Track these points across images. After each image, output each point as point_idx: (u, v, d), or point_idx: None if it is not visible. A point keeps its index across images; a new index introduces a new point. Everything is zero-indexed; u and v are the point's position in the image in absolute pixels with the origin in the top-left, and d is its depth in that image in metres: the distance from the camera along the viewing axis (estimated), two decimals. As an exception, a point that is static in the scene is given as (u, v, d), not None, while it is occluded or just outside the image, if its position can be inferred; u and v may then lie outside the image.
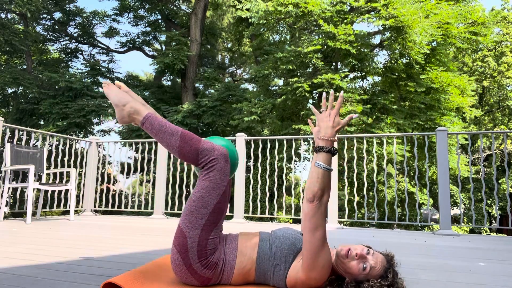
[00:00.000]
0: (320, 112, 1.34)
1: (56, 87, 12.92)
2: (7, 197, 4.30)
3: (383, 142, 6.16)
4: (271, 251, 1.36)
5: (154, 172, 5.72)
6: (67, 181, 6.00)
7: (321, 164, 1.25)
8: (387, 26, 9.34)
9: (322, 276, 1.26)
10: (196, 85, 15.40)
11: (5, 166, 4.08)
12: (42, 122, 13.35)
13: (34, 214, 4.58)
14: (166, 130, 1.40)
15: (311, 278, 1.26)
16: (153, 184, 7.18)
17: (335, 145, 4.45)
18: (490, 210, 15.26)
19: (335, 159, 4.49)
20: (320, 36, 9.92)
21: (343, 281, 1.31)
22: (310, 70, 10.39)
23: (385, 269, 1.27)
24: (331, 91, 1.30)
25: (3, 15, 13.42)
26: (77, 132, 12.45)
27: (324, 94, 1.33)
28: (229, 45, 20.35)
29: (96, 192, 5.67)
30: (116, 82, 1.62)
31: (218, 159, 1.36)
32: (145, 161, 5.79)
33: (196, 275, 1.33)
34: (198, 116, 12.92)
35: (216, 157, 1.36)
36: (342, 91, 1.27)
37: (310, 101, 11.13)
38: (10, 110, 14.54)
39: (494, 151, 7.12)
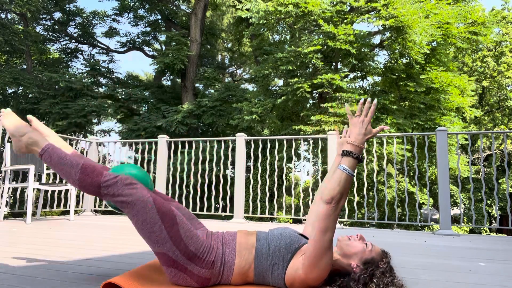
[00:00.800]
0: (355, 117, 1.34)
1: (56, 87, 12.92)
2: (7, 197, 4.30)
3: (383, 142, 6.16)
4: (269, 250, 1.36)
5: (154, 172, 5.72)
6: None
7: (346, 169, 1.25)
8: (387, 26, 9.34)
9: (321, 276, 1.27)
10: (196, 85, 15.40)
11: (5, 166, 4.08)
12: (42, 122, 13.34)
13: (34, 214, 4.58)
14: (65, 162, 1.38)
15: (310, 278, 1.27)
16: (153, 184, 7.17)
17: (333, 146, 4.47)
18: (490, 210, 15.26)
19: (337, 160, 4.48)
20: (320, 36, 9.91)
21: (341, 280, 1.32)
22: (310, 70, 10.39)
23: (383, 252, 1.36)
24: (369, 99, 1.31)
25: (3, 15, 13.43)
26: (77, 133, 12.44)
27: (361, 100, 1.33)
28: (229, 45, 20.36)
29: (96, 192, 5.66)
30: (29, 116, 1.61)
31: (124, 189, 1.33)
32: (145, 161, 5.79)
33: (195, 276, 1.33)
34: (198, 116, 12.92)
35: (120, 189, 1.33)
36: (375, 99, 1.28)
37: (310, 101, 11.14)
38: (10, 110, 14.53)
39: (494, 151, 7.12)
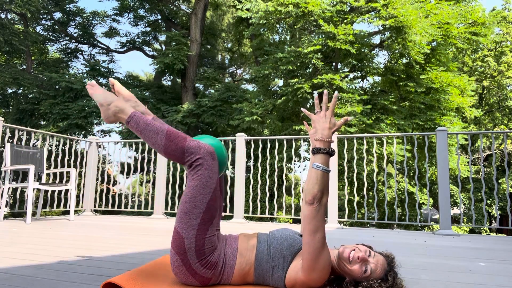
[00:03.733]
0: (315, 113, 1.34)
1: (56, 87, 12.91)
2: (7, 197, 4.30)
3: (383, 142, 6.17)
4: (269, 252, 1.36)
5: (154, 172, 5.72)
6: (67, 181, 6.00)
7: (320, 166, 1.24)
8: (387, 26, 9.34)
9: (322, 277, 1.27)
10: (196, 85, 15.40)
11: (5, 166, 4.08)
12: (42, 123, 13.35)
13: (34, 214, 4.58)
14: (151, 128, 1.39)
15: (311, 279, 1.26)
16: (153, 184, 7.18)
17: (333, 146, 4.47)
18: (490, 210, 15.26)
19: (334, 160, 4.49)
20: (320, 36, 9.91)
21: (342, 281, 1.32)
22: (310, 71, 10.39)
23: (386, 272, 1.29)
24: (325, 91, 1.29)
25: (3, 15, 13.42)
26: (77, 133, 12.45)
27: (316, 95, 1.33)
28: (229, 45, 20.36)
29: (96, 192, 5.67)
30: (110, 79, 1.63)
31: (205, 157, 1.35)
32: (145, 161, 5.79)
33: (196, 275, 1.33)
34: (198, 116, 12.92)
35: (202, 156, 1.34)
36: (336, 92, 1.26)
37: (311, 101, 11.13)
38: (10, 110, 14.54)
39: (494, 151, 7.12)
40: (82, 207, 5.53)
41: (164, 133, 1.37)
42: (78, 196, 5.73)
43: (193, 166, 1.35)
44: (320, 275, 1.26)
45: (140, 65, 64.49)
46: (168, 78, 18.39)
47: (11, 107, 14.70)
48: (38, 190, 4.88)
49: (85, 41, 16.26)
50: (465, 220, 14.74)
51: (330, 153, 1.27)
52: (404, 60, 10.32)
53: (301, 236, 1.47)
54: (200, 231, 1.32)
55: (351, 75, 11.15)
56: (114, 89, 1.66)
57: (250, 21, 10.75)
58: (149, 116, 1.55)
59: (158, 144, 1.38)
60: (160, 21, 16.75)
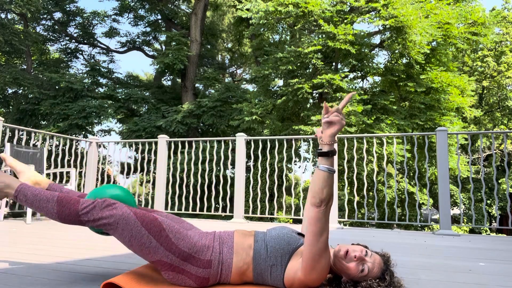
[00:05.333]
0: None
1: (57, 87, 12.92)
2: (7, 197, 4.29)
3: (383, 142, 6.17)
4: (267, 251, 1.36)
5: (154, 172, 5.72)
6: (67, 181, 6.00)
7: (325, 167, 1.24)
8: (387, 26, 9.34)
9: (321, 277, 1.27)
10: (196, 85, 15.40)
11: (5, 166, 4.08)
12: (42, 123, 13.36)
13: (34, 214, 4.58)
14: (41, 198, 1.38)
15: (309, 279, 1.27)
16: (153, 184, 7.18)
17: (335, 146, 4.47)
18: (490, 210, 15.26)
19: (335, 160, 4.50)
20: (320, 36, 9.91)
21: (340, 280, 1.32)
22: (310, 71, 10.39)
23: (383, 271, 1.29)
24: (325, 104, 1.30)
25: (3, 15, 13.42)
26: (77, 134, 12.44)
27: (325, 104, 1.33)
28: (229, 45, 20.36)
29: (96, 192, 5.66)
30: (1, 154, 1.61)
31: (103, 212, 1.34)
32: (145, 161, 5.79)
33: (192, 276, 1.34)
34: (198, 116, 12.92)
35: (99, 213, 1.34)
36: (352, 92, 1.26)
37: (311, 101, 11.13)
38: (11, 110, 14.54)
39: (494, 151, 7.12)
40: (82, 207, 5.52)
41: (55, 199, 1.37)
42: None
43: (102, 225, 1.35)
44: (319, 275, 1.26)
45: (140, 65, 64.54)
46: (168, 78, 18.40)
47: (11, 107, 14.70)
48: (38, 190, 4.88)
49: (85, 41, 16.27)
50: (465, 220, 14.74)
51: (333, 153, 1.26)
52: (404, 60, 10.31)
53: (298, 234, 1.47)
54: (165, 243, 1.32)
55: (351, 75, 11.14)
56: (6, 163, 1.64)
57: (250, 21, 10.75)
58: (45, 185, 1.53)
59: (51, 212, 1.37)
60: (160, 21, 16.75)
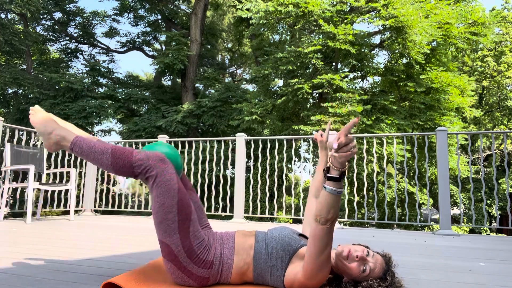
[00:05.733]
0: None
1: (57, 87, 12.92)
2: (7, 197, 4.30)
3: (383, 142, 6.17)
4: (267, 252, 1.36)
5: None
6: (67, 181, 6.00)
7: (333, 190, 1.18)
8: (387, 26, 9.34)
9: (321, 281, 1.28)
10: (196, 85, 15.41)
11: (5, 166, 4.08)
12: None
13: (34, 214, 4.58)
14: (96, 150, 1.39)
15: (309, 284, 1.28)
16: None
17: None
18: (490, 210, 15.26)
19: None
20: (320, 36, 9.91)
21: (341, 280, 1.32)
22: (310, 71, 10.39)
23: (384, 271, 1.29)
24: (328, 123, 1.25)
25: (3, 15, 13.42)
26: (77, 133, 12.42)
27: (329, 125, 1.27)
28: (229, 45, 20.36)
29: (96, 192, 5.67)
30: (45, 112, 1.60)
31: (155, 165, 1.34)
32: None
33: (193, 276, 1.34)
34: (198, 116, 12.92)
35: (152, 165, 1.34)
36: (356, 118, 1.18)
37: (311, 101, 11.13)
38: (11, 110, 14.54)
39: (494, 151, 7.12)
40: (82, 207, 5.53)
41: (109, 152, 1.38)
42: (78, 196, 5.73)
43: (148, 177, 1.35)
44: (319, 280, 1.27)
45: (140, 65, 64.53)
46: (168, 78, 18.40)
47: (11, 107, 14.70)
48: (38, 190, 4.88)
49: (85, 41, 16.27)
50: (465, 220, 14.74)
51: (341, 176, 1.20)
52: (404, 60, 10.31)
53: (299, 235, 1.47)
54: (182, 233, 1.32)
55: (351, 75, 11.14)
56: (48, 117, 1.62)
57: (250, 21, 10.75)
58: (88, 137, 1.54)
59: (105, 163, 1.38)
60: (160, 21, 16.75)
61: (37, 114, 1.52)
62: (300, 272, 1.28)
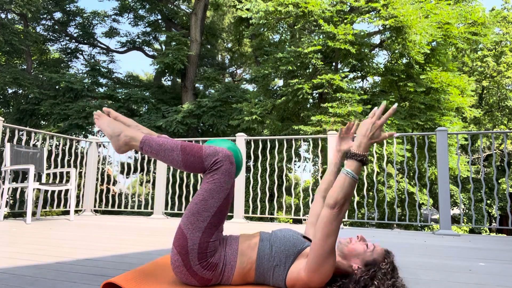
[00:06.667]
0: (340, 137, 1.32)
1: (57, 87, 12.91)
2: (7, 197, 4.30)
3: (383, 142, 6.16)
4: (271, 251, 1.36)
5: (154, 172, 5.72)
6: (67, 181, 6.00)
7: (350, 172, 1.23)
8: (387, 26, 9.34)
9: (323, 280, 1.28)
10: (196, 85, 15.40)
11: (5, 166, 4.08)
12: (42, 123, 13.35)
13: (34, 214, 4.58)
14: (165, 147, 1.39)
15: (312, 281, 1.27)
16: (153, 184, 7.17)
17: (333, 146, 4.47)
18: (490, 210, 15.26)
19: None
20: (320, 36, 9.91)
21: (341, 281, 1.32)
22: (310, 71, 10.39)
23: (386, 251, 1.34)
24: (384, 102, 1.24)
25: (3, 15, 13.42)
26: (77, 134, 12.43)
27: (376, 109, 1.28)
28: (229, 45, 20.36)
29: (96, 192, 5.67)
30: (105, 108, 1.60)
31: (223, 161, 1.34)
32: (145, 161, 5.79)
33: (196, 276, 1.34)
34: (198, 116, 12.92)
35: (220, 159, 1.34)
36: (396, 104, 1.23)
37: (311, 101, 11.13)
38: (11, 110, 14.54)
39: (494, 151, 7.13)
40: (82, 207, 5.53)
41: (179, 148, 1.37)
42: (78, 196, 5.73)
43: (211, 170, 1.34)
44: (322, 277, 1.26)
45: (140, 65, 64.55)
46: (168, 78, 18.39)
47: (11, 107, 14.70)
48: (38, 190, 4.88)
49: (85, 41, 16.27)
50: (465, 220, 14.74)
51: (364, 162, 1.25)
52: (404, 60, 10.31)
53: (303, 237, 1.47)
54: (205, 235, 1.32)
55: (351, 75, 11.14)
56: (110, 116, 1.62)
57: (250, 21, 10.75)
58: (155, 135, 1.55)
59: (176, 160, 1.37)
60: (160, 21, 16.75)
61: (102, 118, 1.52)
62: (303, 269, 1.28)
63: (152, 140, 1.41)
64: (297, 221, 9.04)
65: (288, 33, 12.95)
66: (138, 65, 49.50)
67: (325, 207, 1.24)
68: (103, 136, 15.38)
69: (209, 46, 18.18)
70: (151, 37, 17.25)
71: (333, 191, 1.23)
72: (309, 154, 5.74)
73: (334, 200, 1.22)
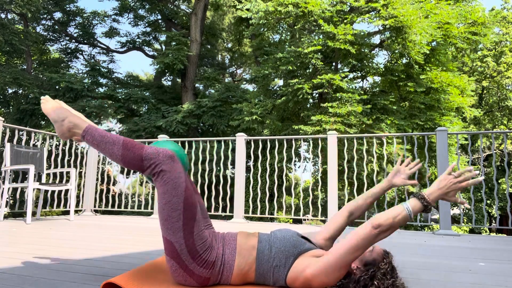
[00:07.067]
0: (450, 174, 1.31)
1: (57, 87, 12.91)
2: (7, 197, 4.30)
3: (383, 142, 6.17)
4: (271, 252, 1.36)
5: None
6: (67, 181, 6.00)
7: (409, 210, 1.25)
8: (387, 26, 9.33)
9: (327, 284, 1.29)
10: (196, 85, 15.40)
11: (5, 166, 4.08)
12: (42, 123, 13.35)
13: (34, 214, 4.58)
14: (107, 140, 1.40)
15: (316, 281, 1.28)
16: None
17: (333, 146, 4.47)
18: (490, 210, 15.26)
19: (334, 160, 4.50)
20: (320, 36, 9.91)
21: (341, 281, 1.32)
22: (310, 71, 10.39)
23: (385, 252, 1.36)
24: (475, 172, 1.26)
25: (3, 15, 13.42)
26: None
27: (470, 168, 1.29)
28: (229, 45, 20.36)
29: (96, 192, 5.67)
30: (56, 100, 1.62)
31: (165, 162, 1.34)
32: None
33: (195, 276, 1.34)
34: (198, 116, 12.92)
35: (161, 161, 1.34)
36: (482, 178, 1.27)
37: (311, 101, 11.12)
38: (11, 110, 14.54)
39: (494, 151, 7.12)
40: (82, 207, 5.53)
41: (121, 143, 1.38)
42: (78, 196, 5.73)
43: (156, 173, 1.35)
44: (328, 282, 1.28)
45: (140, 65, 64.55)
46: (168, 78, 18.39)
47: (11, 107, 14.69)
48: (38, 190, 4.88)
49: (85, 41, 16.27)
50: (465, 220, 14.74)
51: (427, 209, 1.27)
52: (404, 60, 10.31)
53: (302, 237, 1.47)
54: (186, 231, 1.32)
55: (351, 75, 11.14)
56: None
57: (250, 21, 10.75)
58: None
59: (115, 154, 1.38)
60: (160, 21, 16.75)
61: (48, 102, 1.53)
62: (309, 267, 1.29)
63: (95, 131, 1.43)
64: (297, 221, 9.03)
65: (288, 33, 12.95)
66: (138, 65, 49.55)
67: (368, 223, 1.25)
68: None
69: (209, 46, 18.18)
70: (151, 37, 17.25)
71: (384, 215, 1.25)
72: (309, 154, 5.74)
73: (380, 223, 1.23)
